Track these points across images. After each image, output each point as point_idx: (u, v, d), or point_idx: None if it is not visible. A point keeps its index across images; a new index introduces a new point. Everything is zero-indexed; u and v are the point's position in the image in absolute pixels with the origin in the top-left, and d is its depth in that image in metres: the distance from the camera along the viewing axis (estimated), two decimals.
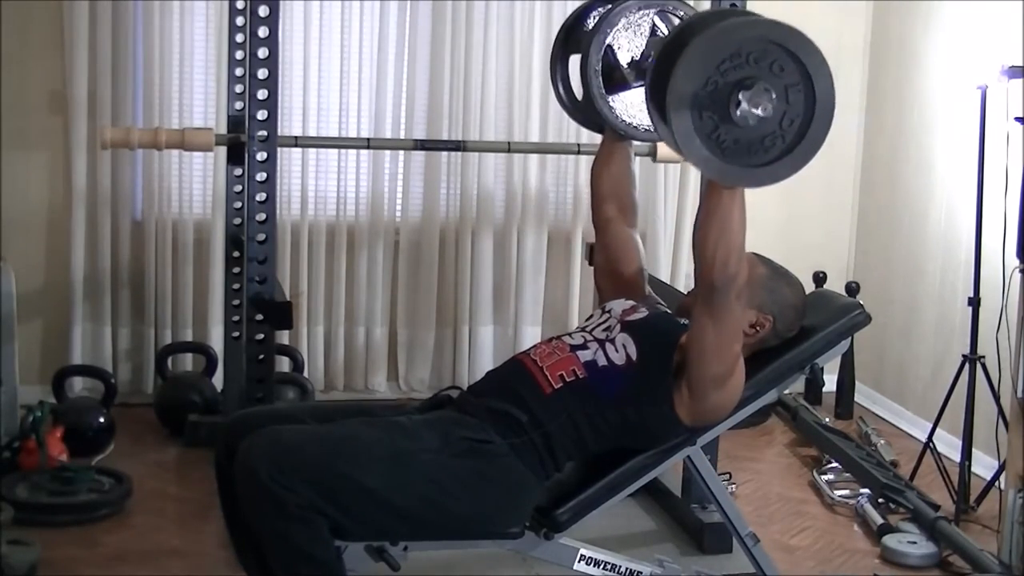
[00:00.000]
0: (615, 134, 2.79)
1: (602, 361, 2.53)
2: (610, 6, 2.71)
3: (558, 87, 2.92)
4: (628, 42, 2.67)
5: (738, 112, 2.17)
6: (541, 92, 4.88)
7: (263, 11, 3.68)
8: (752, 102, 2.17)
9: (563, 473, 2.57)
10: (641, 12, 2.66)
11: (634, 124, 2.72)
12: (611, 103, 2.67)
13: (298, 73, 4.69)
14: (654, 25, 2.69)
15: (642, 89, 2.66)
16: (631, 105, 2.69)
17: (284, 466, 2.28)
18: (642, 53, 2.67)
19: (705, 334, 2.43)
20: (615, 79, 2.67)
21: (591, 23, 2.81)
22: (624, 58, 2.67)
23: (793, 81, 2.21)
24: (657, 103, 2.26)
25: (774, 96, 2.18)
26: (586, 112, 2.83)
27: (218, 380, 4.48)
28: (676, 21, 2.73)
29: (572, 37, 2.89)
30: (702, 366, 2.46)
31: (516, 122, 4.86)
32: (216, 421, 4.16)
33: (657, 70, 2.29)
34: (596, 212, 2.92)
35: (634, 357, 2.53)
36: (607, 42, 2.64)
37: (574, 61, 2.85)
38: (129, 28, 4.53)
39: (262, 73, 3.71)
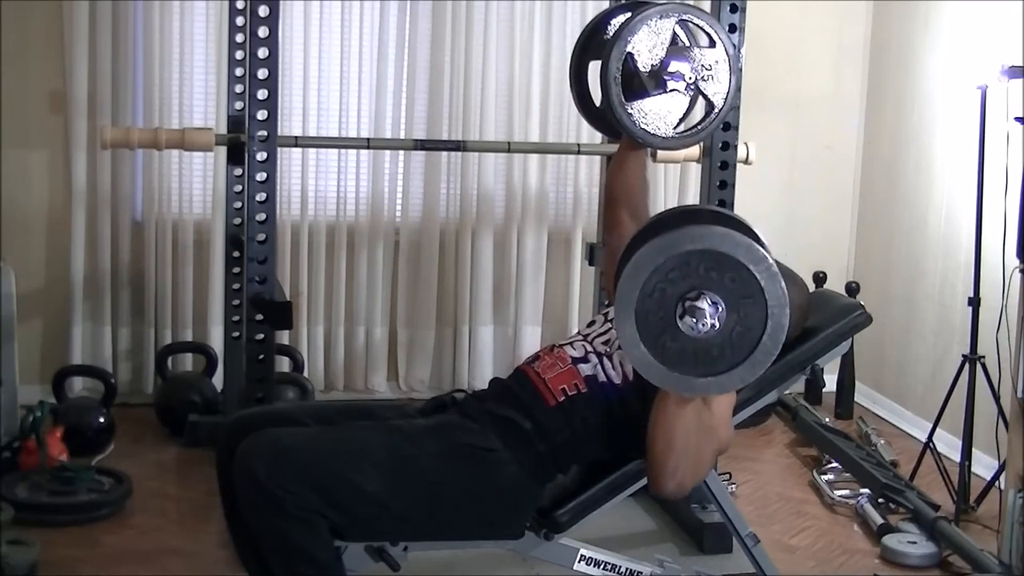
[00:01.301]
0: (633, 141, 2.78)
1: (601, 376, 2.53)
2: (631, 13, 2.71)
3: (576, 92, 2.90)
4: (649, 50, 2.65)
5: (683, 322, 2.15)
6: (541, 92, 4.88)
7: (263, 11, 3.68)
8: (696, 314, 2.14)
9: (565, 474, 2.58)
10: (662, 20, 2.65)
11: (652, 132, 2.71)
12: (630, 111, 2.66)
13: (298, 73, 4.69)
14: (675, 33, 2.68)
15: (661, 97, 2.65)
16: (650, 113, 2.68)
17: (283, 467, 2.28)
18: (662, 61, 2.66)
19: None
20: (634, 86, 2.66)
21: (611, 30, 2.80)
22: (644, 66, 2.66)
23: (743, 293, 2.16)
24: (612, 301, 2.23)
25: (721, 308, 2.15)
26: (604, 119, 2.81)
27: (218, 380, 4.48)
28: (696, 30, 2.72)
29: (592, 43, 2.87)
30: None
31: (516, 122, 4.86)
32: (216, 421, 4.16)
33: (617, 270, 2.28)
34: (608, 215, 2.89)
35: (631, 376, 2.53)
36: (627, 50, 2.63)
37: (593, 67, 2.84)
38: (129, 28, 4.53)
39: (262, 73, 3.71)
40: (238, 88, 4.11)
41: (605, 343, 2.60)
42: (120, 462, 3.97)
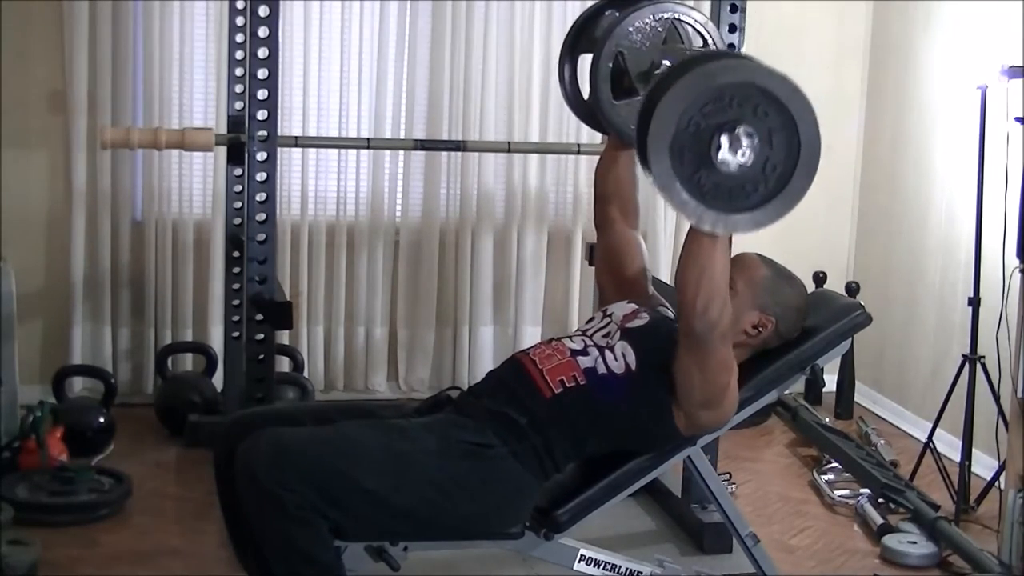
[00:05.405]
0: (621, 139, 2.77)
1: (602, 368, 2.53)
2: (622, 11, 2.69)
3: (565, 86, 2.89)
4: (639, 49, 2.63)
5: (719, 156, 2.15)
6: (541, 92, 4.88)
7: (263, 11, 3.68)
8: (733, 146, 2.14)
9: (563, 473, 2.57)
10: (654, 18, 2.63)
11: None
12: (618, 109, 2.65)
13: (298, 73, 4.68)
14: (666, 33, 2.66)
15: None
16: (637, 112, 2.67)
17: (284, 467, 2.28)
18: (652, 62, 2.64)
19: (691, 375, 2.45)
20: (624, 85, 2.65)
21: (603, 24, 2.78)
22: (635, 65, 2.64)
23: (777, 126, 2.17)
24: (639, 143, 2.22)
25: (756, 141, 2.15)
26: (592, 113, 2.80)
27: (218, 380, 4.48)
28: (689, 29, 2.70)
29: (583, 37, 2.85)
30: (691, 397, 2.48)
31: (516, 122, 4.86)
32: (216, 421, 4.16)
33: (642, 109, 2.26)
34: (598, 213, 2.90)
35: (633, 366, 2.53)
36: (618, 48, 2.61)
37: (583, 59, 2.83)
38: (129, 28, 4.53)
39: (262, 73, 3.71)
40: (238, 88, 4.11)
41: (605, 336, 2.60)
42: (120, 462, 3.97)
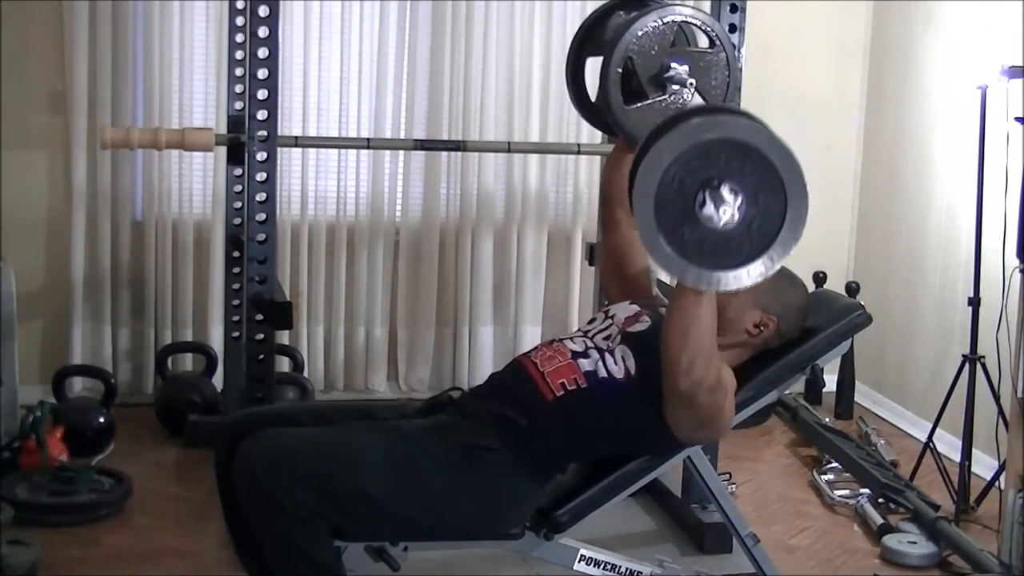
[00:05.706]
0: (629, 141, 2.77)
1: (602, 372, 2.52)
2: (630, 14, 2.69)
3: (573, 89, 2.89)
4: (649, 52, 2.63)
5: (703, 212, 2.14)
6: (541, 92, 4.88)
7: (263, 11, 3.68)
8: (716, 202, 2.14)
9: (563, 474, 2.57)
10: (663, 22, 2.64)
11: None
12: (629, 114, 2.65)
13: (298, 73, 4.69)
14: (673, 36, 2.67)
15: (657, 102, 2.64)
16: (648, 116, 2.67)
17: (284, 469, 2.28)
18: (662, 64, 2.64)
19: (681, 422, 2.45)
20: (633, 87, 2.65)
21: (611, 27, 2.79)
22: (644, 69, 2.64)
23: (763, 184, 2.16)
24: (629, 194, 2.22)
25: (741, 198, 2.14)
26: (599, 115, 2.81)
27: (218, 380, 4.48)
28: (696, 31, 2.71)
29: (590, 40, 2.87)
30: (682, 427, 2.48)
31: (516, 122, 4.86)
32: (216, 421, 4.16)
33: (633, 161, 2.26)
34: (604, 213, 2.90)
35: (633, 371, 2.51)
36: (627, 53, 2.62)
37: (590, 62, 2.84)
38: (129, 28, 4.53)
39: (262, 73, 3.71)
40: (238, 88, 4.11)
41: (606, 338, 2.60)
42: (120, 462, 3.97)
